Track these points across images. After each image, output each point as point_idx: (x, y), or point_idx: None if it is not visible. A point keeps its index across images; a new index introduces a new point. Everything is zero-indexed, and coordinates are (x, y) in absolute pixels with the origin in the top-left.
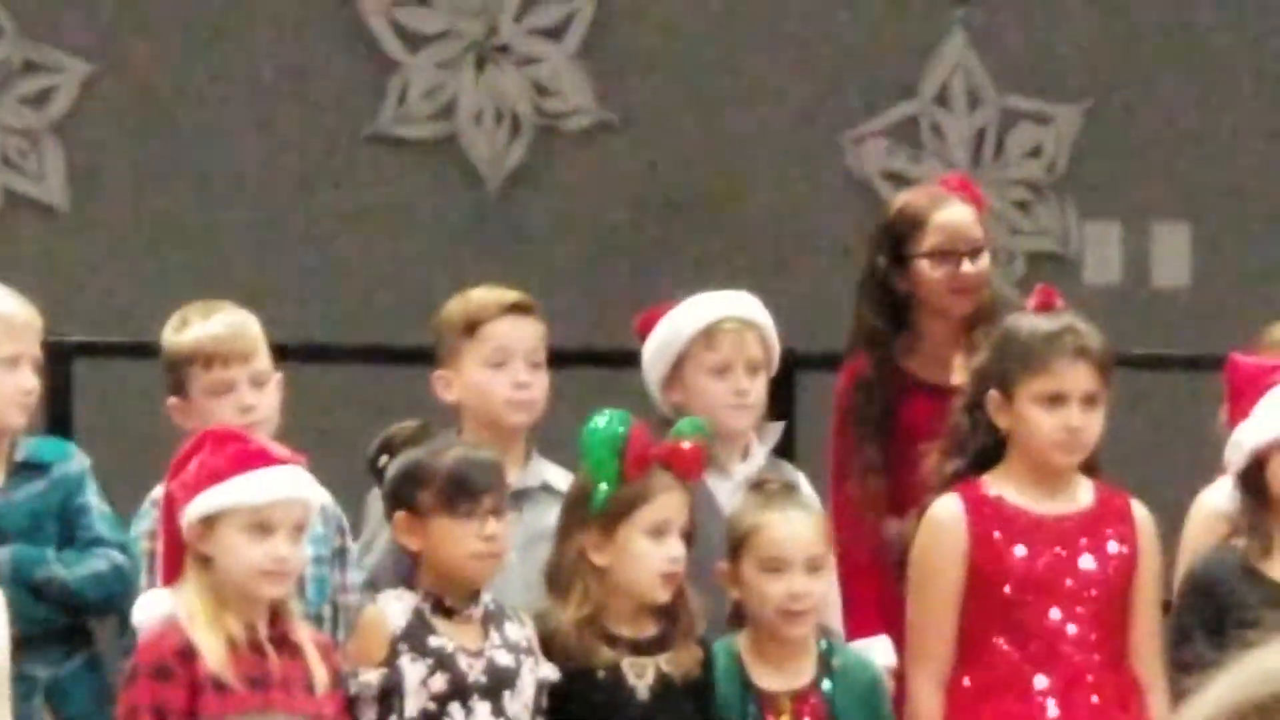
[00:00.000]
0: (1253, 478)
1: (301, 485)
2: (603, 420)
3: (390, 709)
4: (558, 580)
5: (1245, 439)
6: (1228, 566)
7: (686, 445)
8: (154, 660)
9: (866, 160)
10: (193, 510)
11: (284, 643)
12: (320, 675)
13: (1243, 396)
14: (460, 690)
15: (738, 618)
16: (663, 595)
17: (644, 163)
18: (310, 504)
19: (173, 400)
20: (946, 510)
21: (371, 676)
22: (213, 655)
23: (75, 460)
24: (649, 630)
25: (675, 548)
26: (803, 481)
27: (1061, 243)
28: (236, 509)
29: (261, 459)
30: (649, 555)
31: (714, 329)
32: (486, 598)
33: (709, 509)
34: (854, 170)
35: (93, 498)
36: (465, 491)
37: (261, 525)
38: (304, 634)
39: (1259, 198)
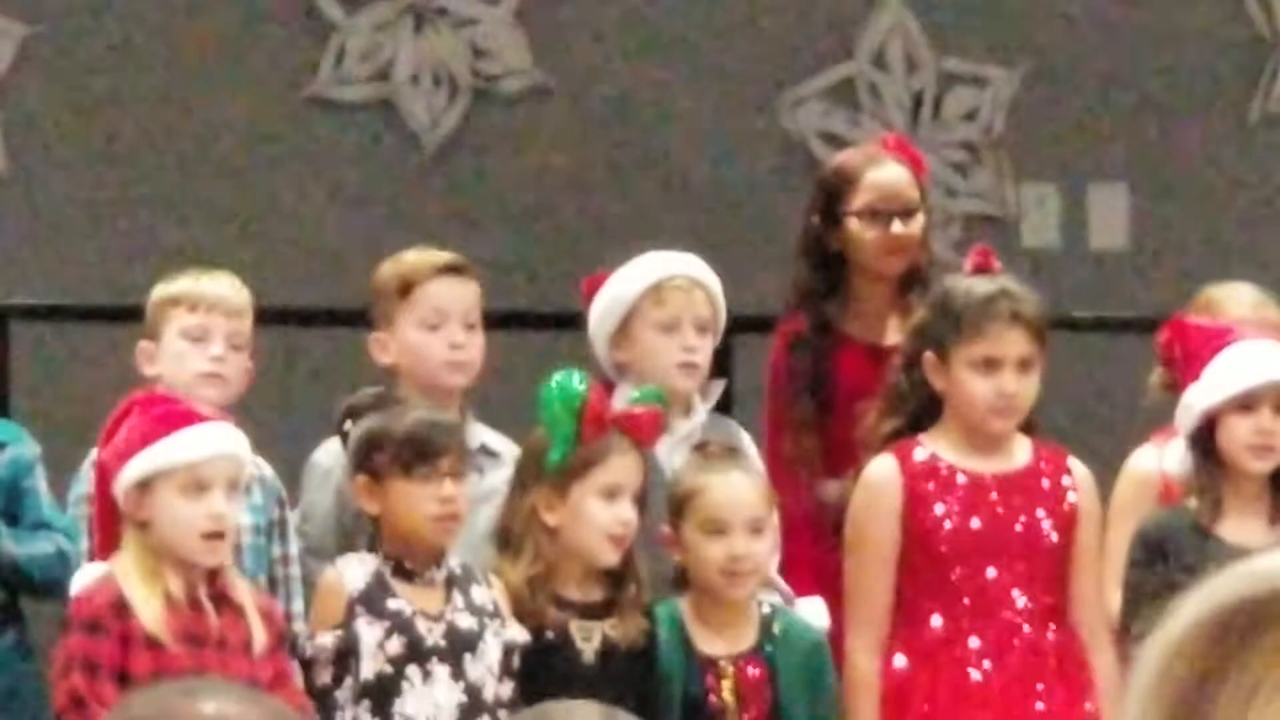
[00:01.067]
0: (1203, 439)
1: (233, 441)
2: (562, 379)
3: (346, 671)
4: (508, 539)
5: (1196, 401)
6: (1178, 528)
7: (643, 410)
8: (87, 615)
9: (803, 122)
10: (127, 476)
11: (224, 602)
12: (259, 636)
13: (1192, 358)
14: (418, 653)
15: (681, 581)
16: (611, 558)
17: (580, 125)
18: (243, 460)
19: (143, 344)
20: (881, 471)
21: (326, 638)
22: (147, 611)
23: (28, 445)
24: (597, 594)
25: (626, 511)
26: (745, 438)
27: (999, 205)
28: (171, 469)
29: (191, 418)
30: (599, 517)
31: (663, 285)
32: (453, 561)
33: (652, 465)
34: (791, 132)
35: (41, 483)
36: (423, 453)
37: (196, 483)
38: (245, 594)
39: (1196, 160)
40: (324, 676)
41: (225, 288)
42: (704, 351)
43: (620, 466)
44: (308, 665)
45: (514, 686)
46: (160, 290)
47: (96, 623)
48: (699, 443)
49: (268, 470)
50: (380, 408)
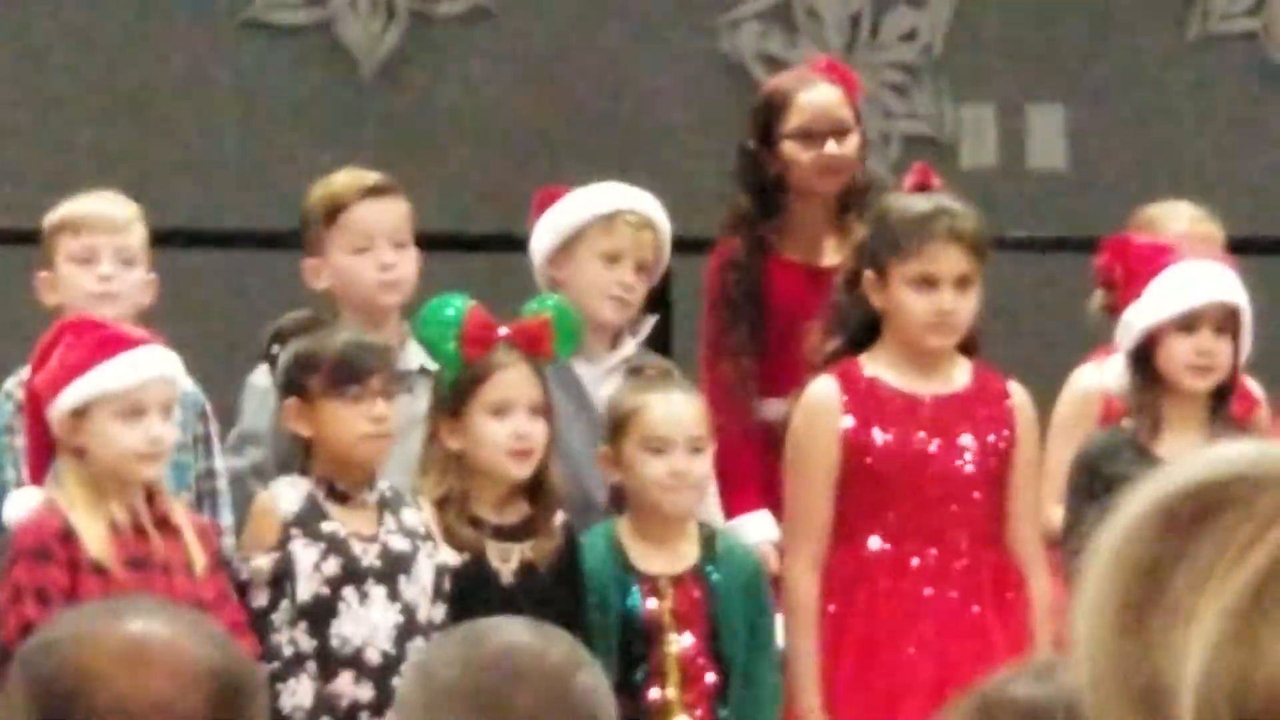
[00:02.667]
0: (1143, 358)
1: (167, 364)
2: (434, 303)
3: (282, 593)
4: (422, 465)
5: (1136, 320)
6: (1117, 447)
7: (533, 321)
8: (34, 543)
9: (741, 44)
10: (61, 403)
11: (163, 525)
12: (198, 557)
13: (1133, 276)
14: (354, 574)
15: (616, 502)
16: (516, 472)
17: (518, 48)
18: (176, 383)
19: (41, 274)
20: (821, 391)
21: (263, 561)
22: (92, 538)
23: None
24: (514, 516)
25: (521, 424)
26: (675, 372)
27: (937, 126)
28: (106, 396)
29: (123, 343)
30: (493, 434)
31: (615, 217)
32: (383, 484)
33: (577, 395)
34: (729, 54)
35: None
36: (353, 373)
37: (133, 408)
38: (182, 516)
39: (1133, 79)
40: (260, 599)
41: (107, 205)
42: (639, 291)
43: (506, 381)
44: (243, 588)
45: (445, 609)
46: (48, 219)
47: (44, 550)
48: (634, 366)
49: (189, 385)
50: (308, 331)
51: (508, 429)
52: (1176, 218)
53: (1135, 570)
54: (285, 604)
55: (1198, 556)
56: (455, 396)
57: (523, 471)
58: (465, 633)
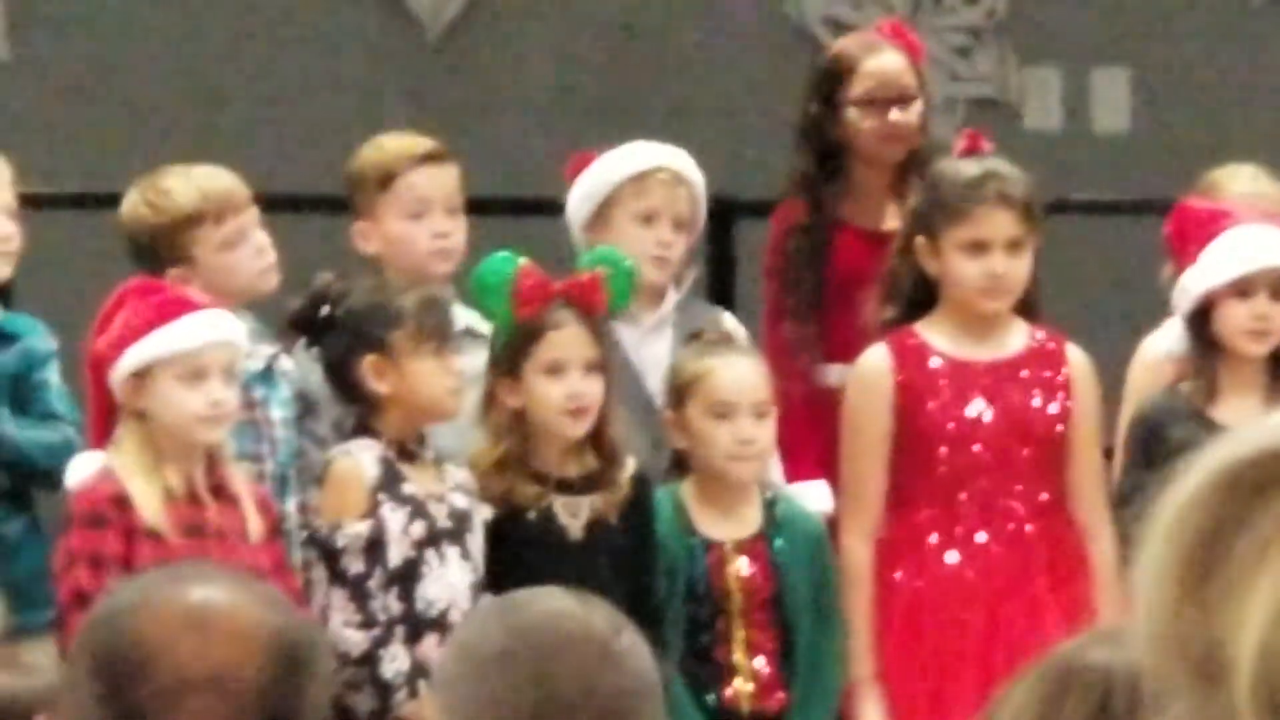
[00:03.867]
0: (1199, 322)
1: (229, 328)
2: (488, 263)
3: (375, 559)
4: (483, 424)
5: (1192, 284)
6: (1174, 410)
7: (585, 277)
8: (89, 509)
9: (807, 7)
10: (124, 365)
11: (220, 492)
12: (255, 525)
13: (1191, 241)
14: (434, 536)
15: (679, 467)
16: (573, 430)
17: (582, 14)
18: (238, 347)
19: (174, 272)
20: (873, 360)
21: (360, 527)
22: (147, 505)
23: (44, 338)
24: (579, 470)
25: (575, 383)
26: (734, 324)
27: (1001, 89)
28: (169, 358)
29: (186, 306)
30: (548, 393)
31: (647, 176)
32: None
33: (618, 358)
34: (794, 18)
35: (53, 376)
36: (438, 328)
37: (195, 371)
38: (241, 484)
39: (1197, 41)
40: (356, 565)
41: (227, 180)
42: (678, 248)
43: (559, 341)
44: (334, 556)
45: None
46: (164, 214)
47: (98, 516)
48: (694, 330)
49: (289, 363)
50: (348, 292)
51: (562, 389)
52: (1239, 179)
53: (1196, 537)
54: (379, 570)
55: (1259, 526)
56: (510, 356)
57: (578, 430)
58: (501, 605)
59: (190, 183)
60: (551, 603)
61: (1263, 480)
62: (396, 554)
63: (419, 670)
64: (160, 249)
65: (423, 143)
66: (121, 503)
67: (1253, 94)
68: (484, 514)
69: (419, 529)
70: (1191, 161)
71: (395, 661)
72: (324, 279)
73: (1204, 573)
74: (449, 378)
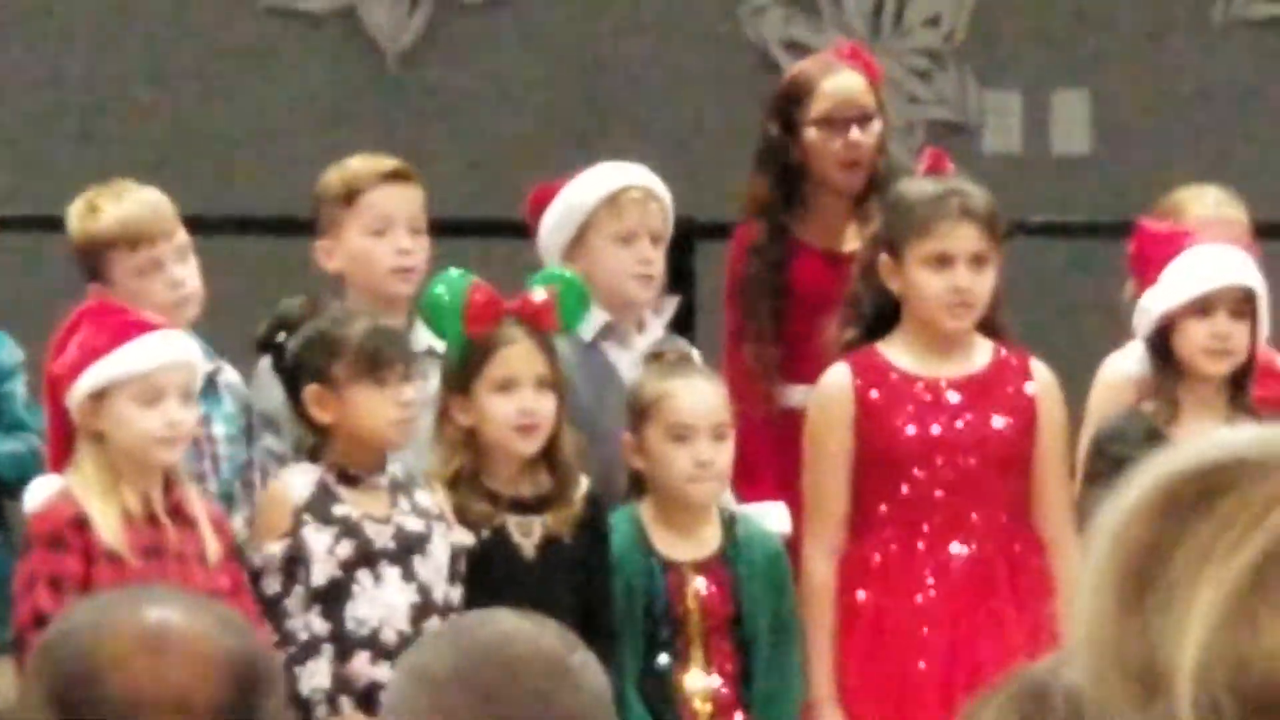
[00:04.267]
0: (1160, 343)
1: (186, 348)
2: (440, 280)
3: (295, 579)
4: (435, 443)
5: (1153, 305)
6: (1134, 431)
7: (536, 296)
8: (48, 530)
9: (765, 29)
10: (80, 387)
11: (178, 514)
12: (213, 546)
13: (1151, 262)
14: (368, 556)
15: (637, 489)
16: (524, 448)
17: (542, 35)
18: (195, 367)
19: (94, 286)
20: (835, 379)
21: (275, 547)
22: (106, 527)
23: (10, 350)
24: (532, 489)
25: (526, 400)
26: (696, 356)
27: (961, 111)
28: (126, 379)
29: (142, 327)
30: (499, 410)
31: (620, 196)
32: (394, 467)
33: (611, 381)
34: (753, 40)
35: (20, 387)
36: (382, 359)
37: (152, 392)
38: (198, 505)
39: (1157, 64)
40: (273, 585)
41: (153, 209)
42: (659, 263)
43: (510, 357)
44: (256, 575)
45: (461, 591)
46: (87, 226)
47: (58, 538)
48: (654, 352)
49: (234, 376)
50: (310, 317)
51: (513, 405)
52: (1202, 202)
53: (1136, 550)
54: (298, 590)
55: (1198, 538)
56: (462, 374)
57: (529, 448)
58: (453, 626)
59: (118, 205)
60: (503, 624)
61: (1201, 493)
62: (320, 574)
63: (343, 687)
64: (85, 263)
65: (388, 162)
66: (81, 524)
67: (1212, 116)
68: (457, 538)
69: (346, 549)
70: (1151, 183)
71: (314, 679)
72: (287, 303)
73: (1143, 585)
74: (391, 408)
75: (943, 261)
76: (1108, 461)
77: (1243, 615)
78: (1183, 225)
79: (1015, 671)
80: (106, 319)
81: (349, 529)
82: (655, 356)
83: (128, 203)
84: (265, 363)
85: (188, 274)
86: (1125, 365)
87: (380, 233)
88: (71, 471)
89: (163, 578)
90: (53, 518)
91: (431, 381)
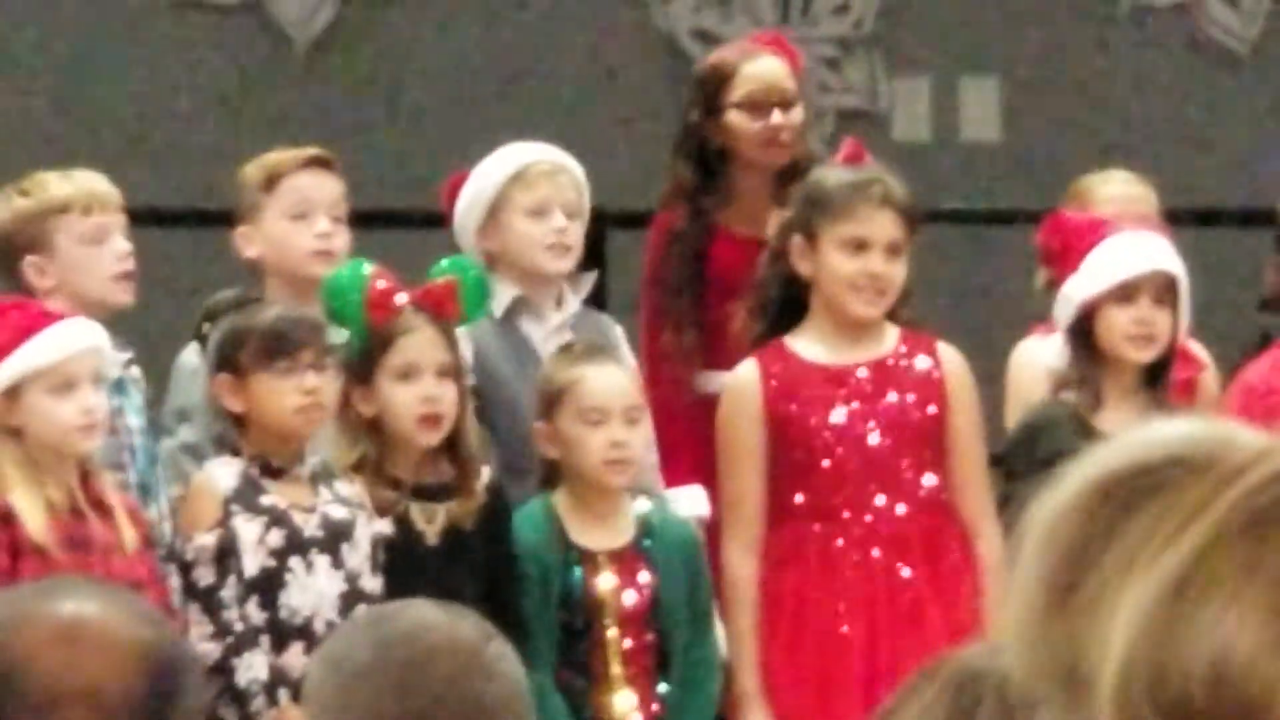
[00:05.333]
0: (1082, 331)
1: (94, 335)
2: (340, 271)
3: (227, 570)
4: (336, 432)
5: (1074, 293)
6: (1059, 420)
7: (437, 283)
8: None
9: (675, 19)
10: None
11: (97, 505)
12: (129, 535)
13: (1072, 251)
14: (298, 545)
15: (550, 478)
16: (425, 437)
17: (452, 22)
18: (104, 353)
19: (30, 258)
20: (741, 375)
21: (207, 539)
22: (32, 520)
23: None
24: (435, 478)
25: (428, 388)
26: (618, 330)
27: (870, 99)
28: (37, 372)
29: (48, 318)
30: (401, 399)
31: (528, 170)
32: (314, 458)
33: (527, 355)
34: (662, 29)
35: None
36: (282, 346)
37: (65, 382)
38: (113, 495)
39: (1066, 51)
40: (207, 577)
41: (105, 183)
42: (574, 234)
43: (411, 345)
44: (187, 568)
45: (381, 581)
46: (33, 198)
47: None
48: (564, 344)
49: (136, 371)
50: (239, 309)
51: (415, 393)
52: (1110, 183)
53: (1065, 550)
54: (232, 580)
55: (1126, 541)
56: (363, 362)
57: (432, 438)
58: (370, 617)
59: (64, 177)
60: (419, 613)
61: (1133, 493)
62: (252, 563)
63: (280, 678)
64: (20, 240)
65: (310, 149)
66: (5, 519)
67: (1120, 103)
68: (377, 528)
69: (276, 538)
70: (1061, 171)
71: (250, 670)
72: (218, 296)
73: (1072, 583)
74: (294, 395)
75: (859, 247)
76: (1031, 450)
77: (1165, 624)
78: (1093, 209)
79: (945, 659)
80: (8, 315)
81: (278, 518)
82: (565, 348)
83: (77, 175)
84: (184, 356)
85: (130, 253)
86: (1039, 350)
87: (300, 216)
88: None
89: (87, 570)
90: None
91: None
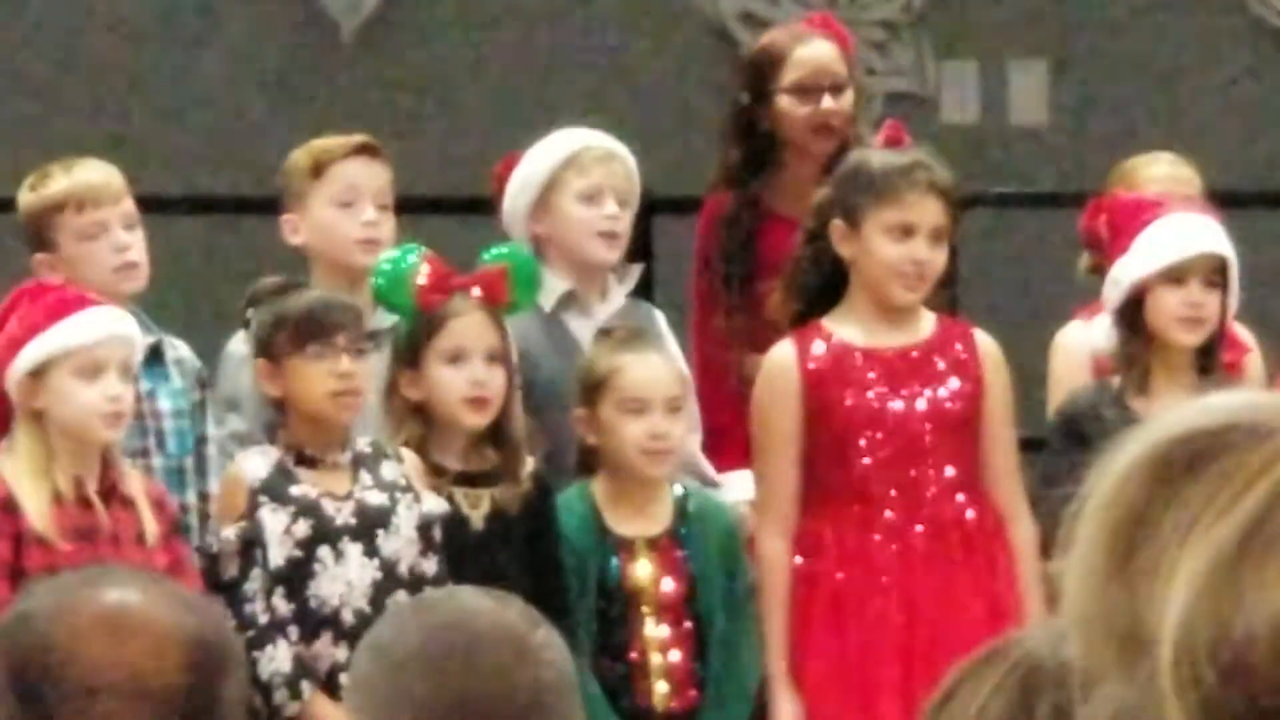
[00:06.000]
0: (1130, 313)
1: (124, 323)
2: (389, 255)
3: (253, 562)
4: (384, 415)
5: (1123, 275)
6: (1101, 403)
7: (489, 269)
8: None
9: (723, 3)
10: (20, 364)
11: (114, 496)
12: (151, 527)
13: (1121, 232)
14: (326, 534)
15: (587, 465)
16: (473, 420)
17: (498, 12)
18: (134, 343)
19: (39, 256)
20: (778, 356)
21: (230, 531)
22: (35, 510)
23: None
24: (481, 463)
25: (477, 372)
26: (661, 320)
27: (919, 82)
28: (65, 353)
29: (81, 302)
30: (449, 382)
31: (582, 155)
32: (361, 442)
33: (574, 352)
34: (710, 14)
35: None
36: (317, 330)
37: (92, 366)
38: (136, 485)
39: (1114, 33)
40: (230, 570)
41: (103, 175)
42: (624, 222)
43: (460, 329)
44: (213, 560)
45: (439, 561)
46: (36, 193)
47: None
48: (604, 328)
49: (185, 351)
50: (283, 294)
51: (463, 376)
52: (1157, 164)
53: (1125, 516)
54: (256, 573)
55: (1186, 505)
56: (411, 346)
57: (479, 421)
58: (415, 605)
59: (66, 171)
60: (466, 600)
61: (1192, 458)
62: (278, 554)
63: (302, 670)
64: (30, 236)
65: (356, 137)
66: (9, 508)
67: (1170, 86)
68: (428, 508)
69: (303, 528)
70: (1110, 154)
71: (272, 663)
72: (263, 282)
73: (1130, 550)
74: (328, 380)
75: (905, 231)
76: (1074, 432)
77: (1226, 584)
78: (1138, 191)
79: (1005, 644)
80: (44, 296)
81: (306, 508)
82: (604, 332)
83: (78, 169)
84: (232, 344)
85: (133, 242)
86: (1081, 335)
87: (347, 204)
88: (4, 453)
89: (96, 561)
90: None
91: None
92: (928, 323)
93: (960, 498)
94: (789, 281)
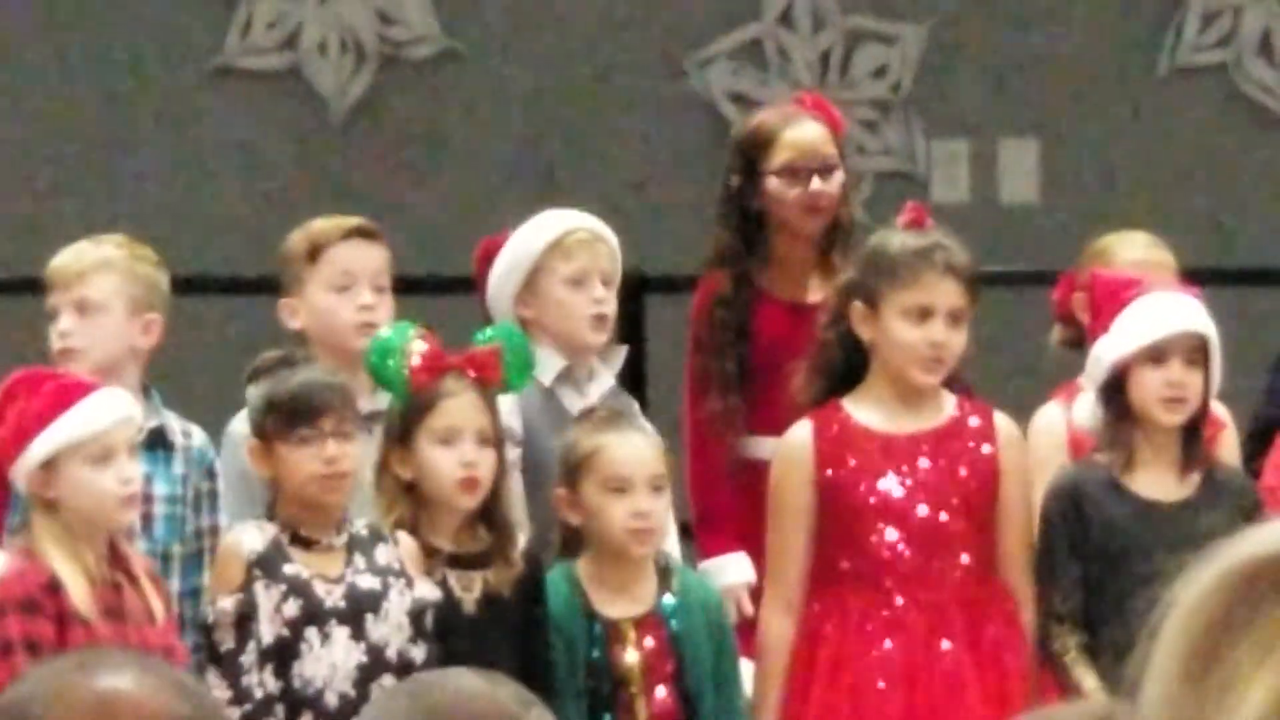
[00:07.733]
0: (1114, 392)
1: (128, 404)
2: (385, 333)
3: (248, 635)
4: (375, 495)
5: (1105, 353)
6: (1094, 481)
7: (482, 349)
8: (21, 595)
9: (712, 82)
10: (30, 458)
11: (126, 575)
12: (157, 605)
13: (1102, 311)
14: (315, 616)
15: (570, 546)
16: (464, 502)
17: (489, 91)
18: (136, 422)
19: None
20: (795, 437)
21: (227, 602)
22: (77, 590)
23: None
24: (474, 544)
25: (468, 453)
26: (637, 411)
27: (909, 161)
28: (76, 443)
29: (82, 389)
30: (441, 463)
31: (567, 239)
32: (358, 524)
33: (564, 425)
34: (700, 93)
35: None
36: (304, 415)
37: (103, 452)
38: (140, 565)
39: (1104, 112)
40: (227, 641)
41: (66, 256)
42: (611, 303)
43: (453, 409)
44: (209, 630)
45: (429, 648)
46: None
47: (32, 602)
48: (584, 409)
49: (198, 440)
50: (283, 369)
51: (454, 457)
52: (1132, 246)
53: (1204, 629)
54: (252, 645)
55: (1266, 625)
56: (403, 425)
57: (469, 502)
58: (410, 685)
59: (75, 248)
60: (460, 682)
61: (1274, 584)
62: (268, 632)
63: None
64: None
65: (352, 219)
66: (53, 588)
67: (1161, 164)
68: (421, 594)
69: (292, 608)
70: (1100, 232)
71: None
72: (264, 356)
73: (1208, 660)
74: (315, 464)
75: (923, 314)
76: (1065, 510)
77: None
78: (1128, 272)
79: None
80: (42, 386)
81: (297, 588)
82: (586, 413)
83: (66, 252)
84: (234, 423)
85: (78, 329)
86: (1059, 416)
87: (343, 289)
88: (29, 540)
89: (124, 639)
90: (24, 582)
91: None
92: (948, 405)
93: (972, 582)
94: (814, 361)
